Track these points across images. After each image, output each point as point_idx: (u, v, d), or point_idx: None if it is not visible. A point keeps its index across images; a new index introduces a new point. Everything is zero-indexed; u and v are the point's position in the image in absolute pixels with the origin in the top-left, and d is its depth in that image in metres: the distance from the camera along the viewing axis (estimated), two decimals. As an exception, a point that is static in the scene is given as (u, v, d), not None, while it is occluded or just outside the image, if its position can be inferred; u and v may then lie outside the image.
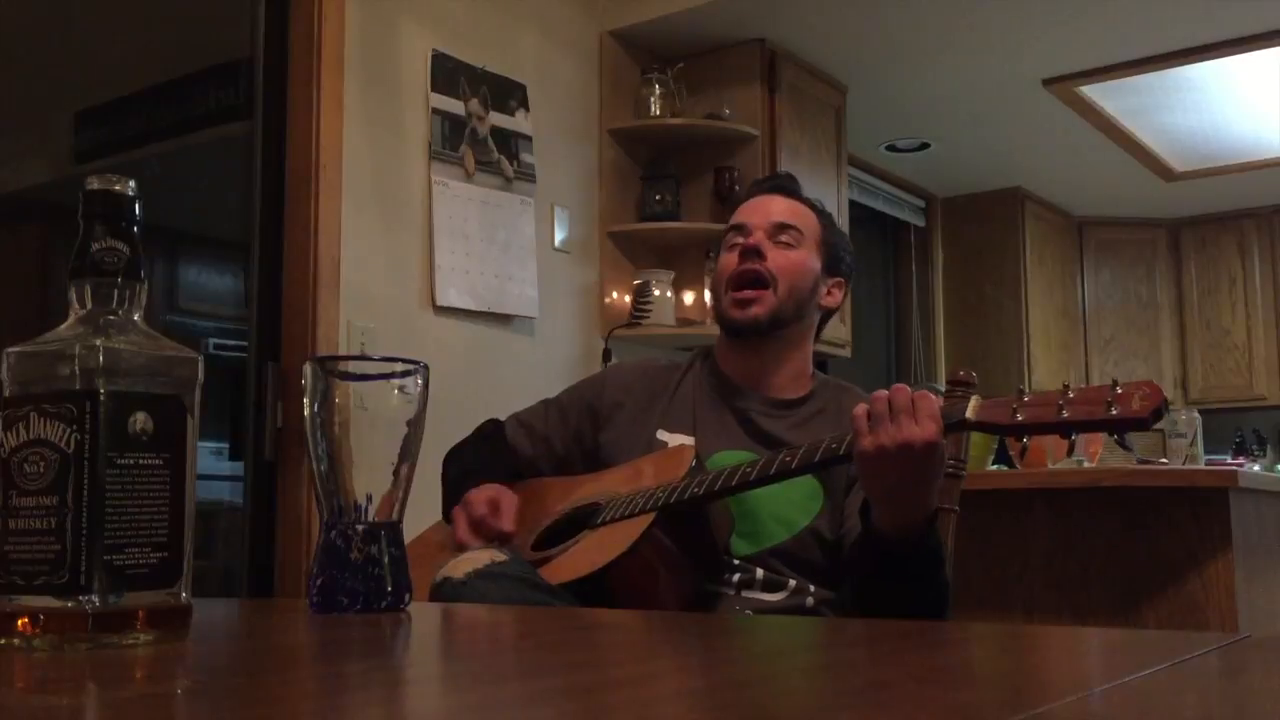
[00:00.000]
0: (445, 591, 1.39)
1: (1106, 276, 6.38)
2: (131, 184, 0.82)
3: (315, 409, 0.99)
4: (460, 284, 3.22)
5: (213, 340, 3.93)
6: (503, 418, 1.88)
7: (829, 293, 1.77)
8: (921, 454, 1.31)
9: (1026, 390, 1.31)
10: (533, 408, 1.87)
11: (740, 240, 1.72)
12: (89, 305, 0.79)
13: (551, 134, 3.59)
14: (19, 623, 0.74)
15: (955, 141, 5.20)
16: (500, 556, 1.45)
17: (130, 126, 3.69)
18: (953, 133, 5.10)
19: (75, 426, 0.75)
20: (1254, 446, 6.15)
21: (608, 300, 3.76)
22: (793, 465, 1.45)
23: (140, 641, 0.75)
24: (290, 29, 2.98)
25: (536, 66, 3.57)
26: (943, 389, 1.61)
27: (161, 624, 0.76)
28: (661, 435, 1.72)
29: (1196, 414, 3.28)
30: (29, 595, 0.74)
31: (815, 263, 1.74)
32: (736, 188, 3.73)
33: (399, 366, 1.02)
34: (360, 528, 0.99)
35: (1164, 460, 3.17)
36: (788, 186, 1.81)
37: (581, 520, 1.61)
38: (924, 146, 5.26)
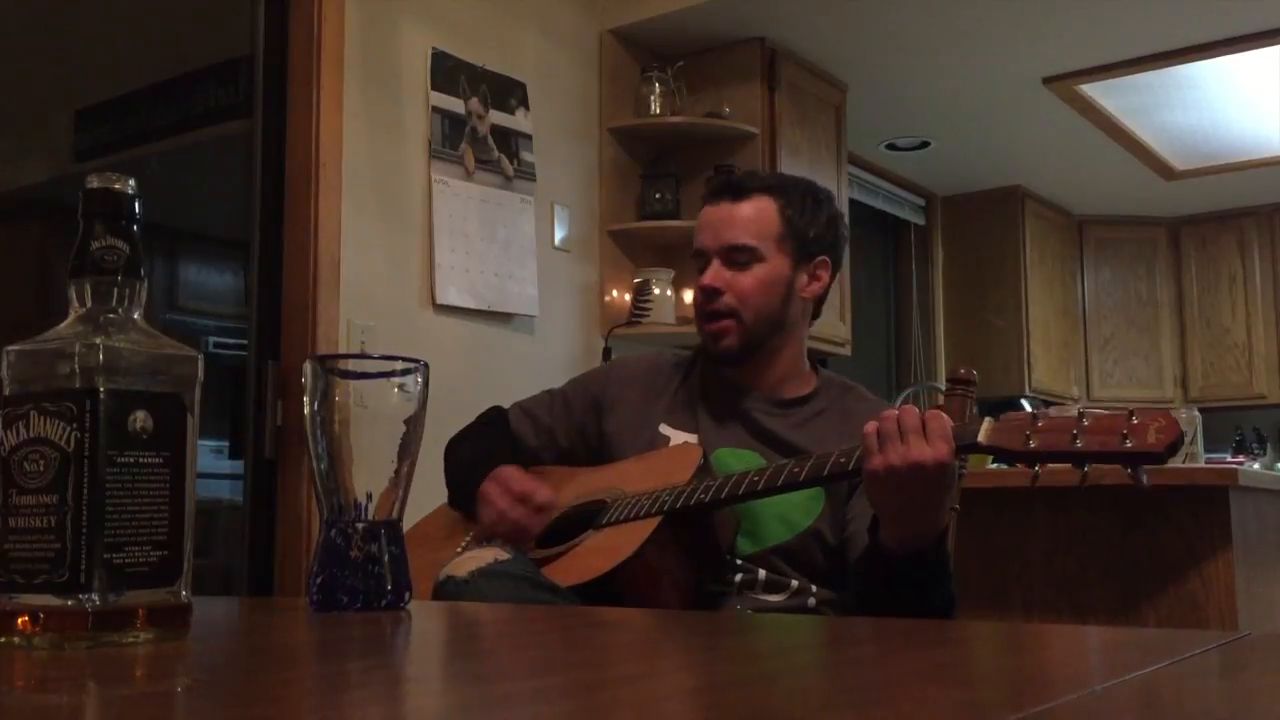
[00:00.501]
0: (449, 590, 1.39)
1: (1106, 275, 6.38)
2: (131, 182, 0.82)
3: (315, 407, 0.99)
4: (460, 282, 3.22)
5: (212, 339, 3.94)
6: (505, 406, 1.88)
7: (810, 282, 1.72)
8: (933, 474, 1.29)
9: (1040, 412, 1.28)
10: (537, 397, 1.86)
11: (699, 270, 1.71)
12: (89, 304, 0.79)
13: (551, 132, 3.59)
14: (19, 621, 0.74)
15: (955, 140, 5.20)
16: (504, 555, 1.45)
17: (130, 125, 3.69)
18: (953, 131, 5.10)
19: (75, 425, 0.75)
20: (1254, 445, 6.15)
21: (608, 299, 3.76)
22: (800, 477, 1.45)
23: (140, 640, 0.75)
24: (290, 27, 2.98)
25: (536, 65, 3.57)
26: (943, 388, 1.61)
27: (161, 622, 0.76)
28: (665, 430, 1.71)
29: (1196, 412, 3.28)
30: (29, 594, 0.74)
31: (781, 267, 1.68)
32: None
33: (399, 365, 1.02)
34: (360, 526, 0.99)
35: (1164, 459, 3.16)
36: (736, 186, 1.72)
37: (586, 518, 1.60)
38: (924, 145, 5.26)
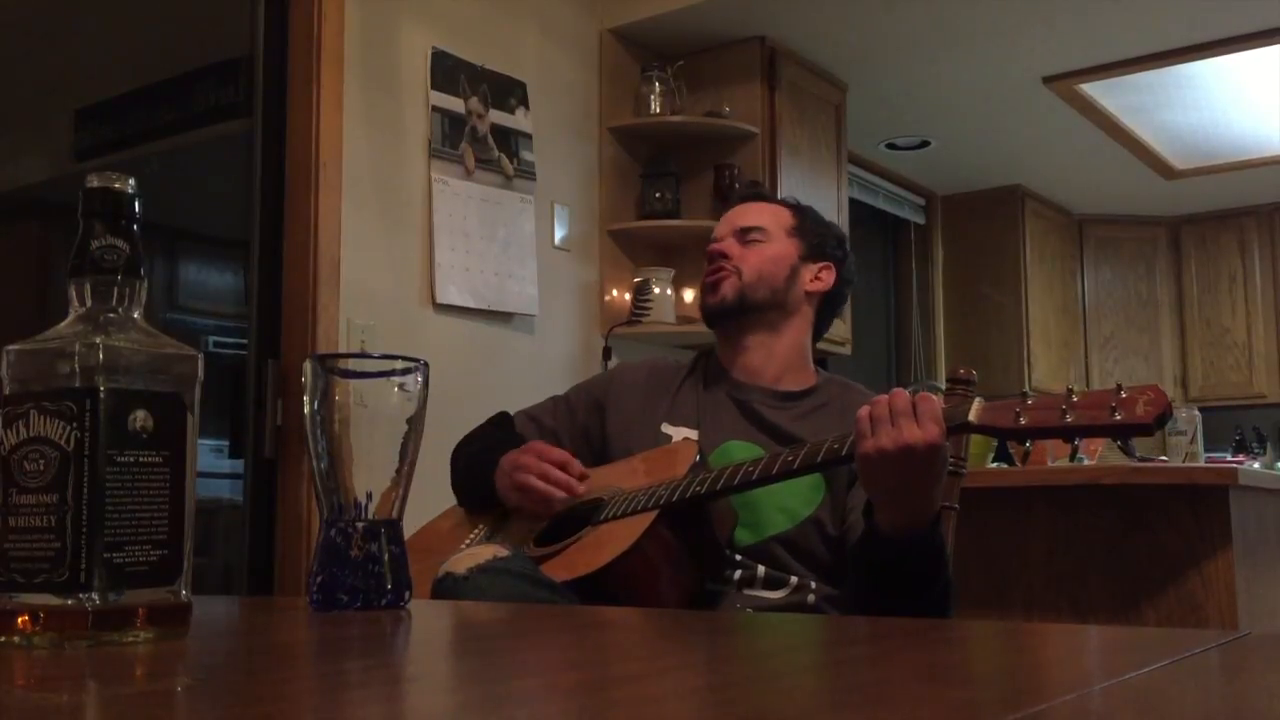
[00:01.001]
0: (447, 587, 1.40)
1: (1106, 274, 6.38)
2: (131, 182, 0.82)
3: (315, 407, 0.99)
4: (460, 282, 3.22)
5: (212, 338, 3.94)
6: (510, 412, 1.90)
7: (816, 277, 1.79)
8: (924, 456, 1.31)
9: (1029, 393, 1.31)
10: (541, 404, 1.90)
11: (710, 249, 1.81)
12: (89, 303, 0.79)
13: (551, 132, 3.59)
14: (19, 620, 0.73)
15: (955, 139, 5.20)
16: (502, 552, 1.45)
17: (130, 124, 3.69)
18: (953, 130, 5.10)
19: (75, 424, 0.75)
20: (1254, 444, 6.14)
21: (608, 298, 3.76)
22: (795, 465, 1.46)
23: (140, 639, 0.75)
24: (290, 27, 2.98)
25: (536, 64, 3.57)
26: (943, 387, 1.62)
27: (161, 621, 0.76)
28: (666, 429, 1.73)
29: (1196, 412, 3.28)
30: (29, 593, 0.74)
31: (789, 250, 1.78)
32: (736, 185, 3.73)
33: (399, 364, 1.02)
34: (360, 525, 0.99)
35: (1164, 458, 3.16)
36: (756, 193, 1.92)
37: (584, 516, 1.61)
38: (924, 144, 5.26)
